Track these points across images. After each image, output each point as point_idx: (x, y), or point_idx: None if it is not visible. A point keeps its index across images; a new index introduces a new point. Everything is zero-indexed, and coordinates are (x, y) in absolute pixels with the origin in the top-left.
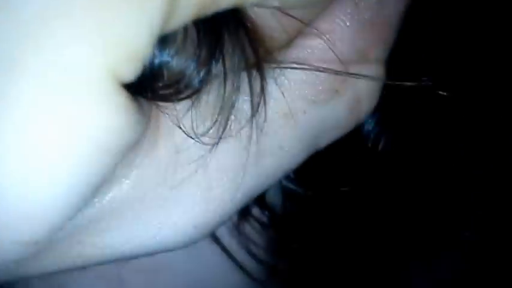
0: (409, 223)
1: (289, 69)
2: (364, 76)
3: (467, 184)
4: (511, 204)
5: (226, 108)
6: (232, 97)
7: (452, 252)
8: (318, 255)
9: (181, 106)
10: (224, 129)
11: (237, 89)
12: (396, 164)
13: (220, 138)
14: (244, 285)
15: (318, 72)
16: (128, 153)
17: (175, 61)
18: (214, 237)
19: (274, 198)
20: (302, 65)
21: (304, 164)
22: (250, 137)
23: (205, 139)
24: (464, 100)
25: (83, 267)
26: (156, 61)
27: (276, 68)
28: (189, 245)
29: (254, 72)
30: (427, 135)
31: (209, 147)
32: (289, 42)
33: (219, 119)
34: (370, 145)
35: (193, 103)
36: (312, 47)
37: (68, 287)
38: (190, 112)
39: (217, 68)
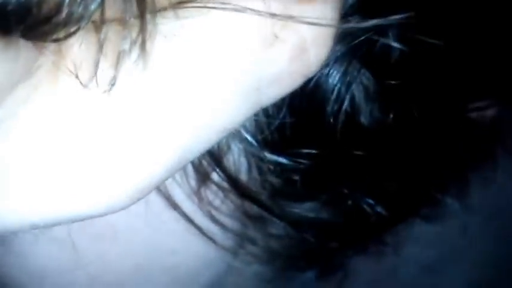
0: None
1: (215, 11)
2: (307, 20)
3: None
4: None
5: (110, 53)
6: (120, 40)
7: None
8: (289, 222)
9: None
10: (115, 76)
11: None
12: (364, 126)
13: (112, 85)
14: (213, 255)
15: (252, 16)
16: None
17: None
18: (172, 203)
19: (238, 163)
20: (227, 5)
21: (266, 127)
22: (176, 90)
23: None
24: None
25: None
26: None
27: (192, 8)
28: (108, 213)
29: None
30: (401, 91)
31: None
32: None
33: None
34: (333, 103)
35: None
36: None
37: (24, 252)
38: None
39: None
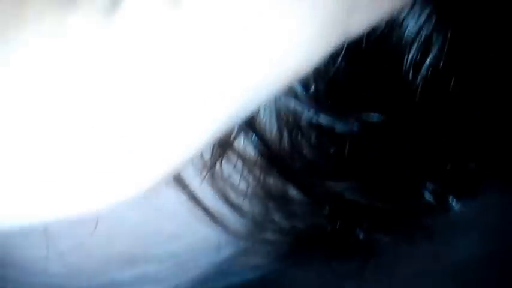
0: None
1: None
2: None
3: None
4: None
5: None
6: None
7: None
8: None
9: None
10: None
11: None
12: None
13: None
14: (222, 240)
15: None
16: None
17: None
18: (179, 182)
19: (268, 127)
20: None
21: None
22: None
23: None
24: None
25: None
26: None
27: None
28: None
29: None
30: None
31: None
32: None
33: None
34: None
35: None
36: None
37: None
38: None
39: None
